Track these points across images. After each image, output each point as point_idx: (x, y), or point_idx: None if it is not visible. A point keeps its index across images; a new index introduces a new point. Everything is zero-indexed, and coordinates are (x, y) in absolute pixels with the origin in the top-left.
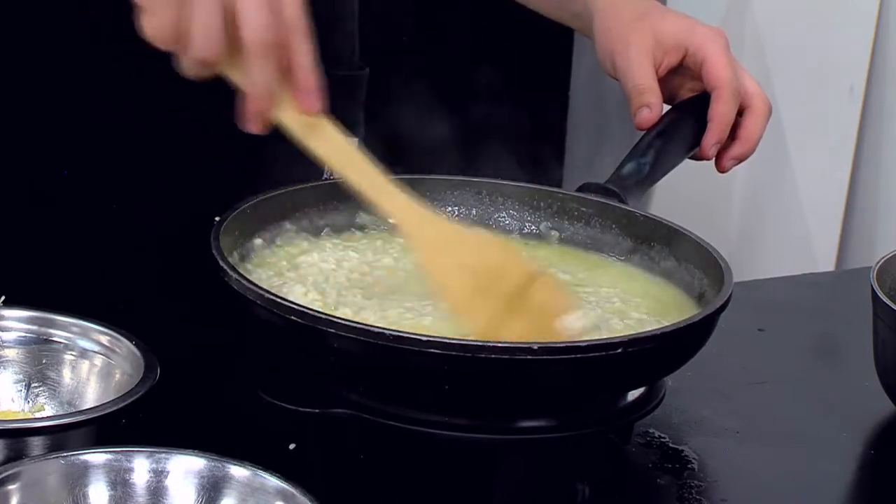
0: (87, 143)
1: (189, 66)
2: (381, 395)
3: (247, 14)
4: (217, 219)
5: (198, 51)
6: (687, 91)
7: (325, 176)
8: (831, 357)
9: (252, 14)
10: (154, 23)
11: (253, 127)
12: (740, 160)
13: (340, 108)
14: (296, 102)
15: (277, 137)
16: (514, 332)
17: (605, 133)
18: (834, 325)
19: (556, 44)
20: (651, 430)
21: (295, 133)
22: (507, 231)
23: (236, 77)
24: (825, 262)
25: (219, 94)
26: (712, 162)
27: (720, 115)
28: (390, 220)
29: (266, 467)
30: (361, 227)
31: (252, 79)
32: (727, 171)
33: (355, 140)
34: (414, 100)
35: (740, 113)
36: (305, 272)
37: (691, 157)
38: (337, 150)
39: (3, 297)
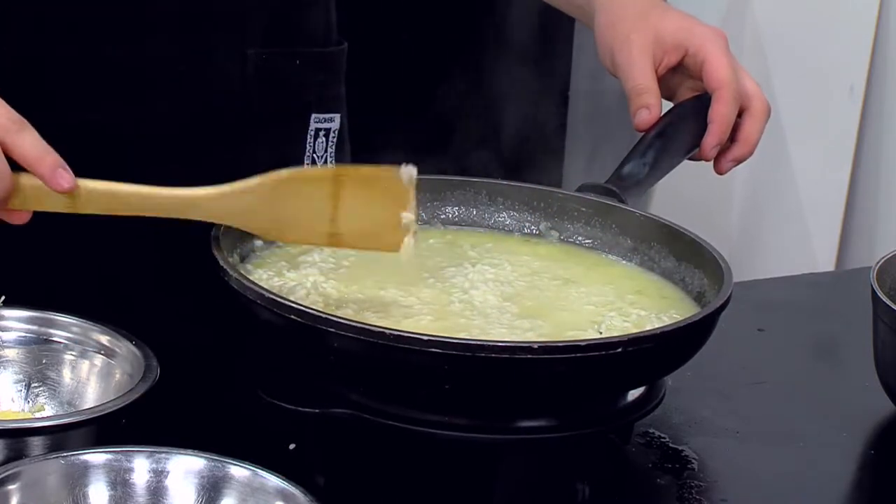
0: (87, 143)
1: None
2: (381, 395)
3: None
4: None
5: None
6: (686, 90)
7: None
8: (831, 357)
9: None
10: None
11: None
12: (739, 162)
13: (318, 85)
14: (47, 187)
15: (277, 139)
16: (353, 234)
17: (605, 133)
18: (834, 325)
19: (556, 44)
20: (651, 430)
21: (63, 210)
22: (507, 231)
23: None
24: (825, 262)
25: (221, 95)
26: (711, 162)
27: (721, 116)
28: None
29: (266, 467)
30: None
31: None
32: (726, 172)
33: (338, 122)
34: (415, 103)
35: (739, 114)
36: (306, 272)
37: (690, 158)
38: (108, 198)
39: (3, 297)
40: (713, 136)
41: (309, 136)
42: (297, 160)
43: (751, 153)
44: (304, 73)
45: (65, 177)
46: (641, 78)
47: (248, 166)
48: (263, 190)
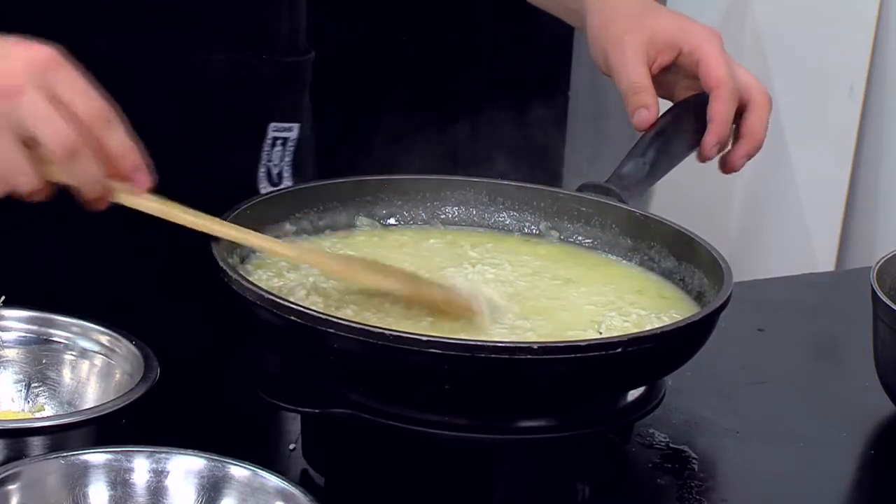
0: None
1: (33, 195)
2: (381, 395)
3: (38, 130)
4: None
5: (21, 186)
6: (682, 89)
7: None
8: (831, 357)
9: (44, 128)
10: None
11: (97, 208)
12: (750, 156)
13: (280, 93)
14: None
15: (233, 144)
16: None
17: (605, 133)
18: (834, 325)
19: (556, 44)
20: (651, 430)
21: (148, 211)
22: (507, 231)
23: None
24: (825, 262)
25: (182, 98)
26: (713, 161)
27: (720, 114)
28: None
29: (266, 467)
30: (361, 228)
31: (76, 180)
32: (739, 169)
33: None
34: (415, 103)
35: (742, 110)
36: (306, 273)
37: (699, 159)
38: (194, 216)
39: (3, 297)
40: (713, 135)
41: (266, 144)
42: (251, 167)
43: (760, 146)
44: (266, 80)
45: (142, 178)
46: (637, 77)
47: (205, 169)
48: (337, 268)
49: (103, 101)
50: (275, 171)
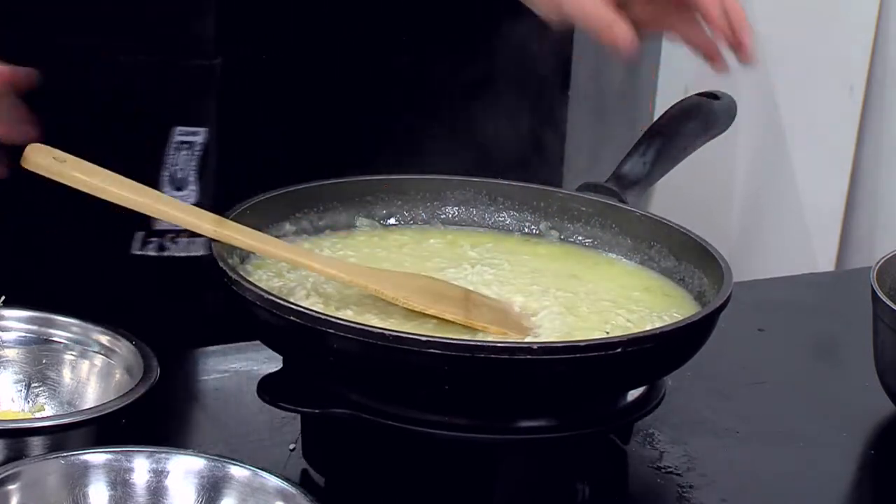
0: (86, 143)
1: None
2: (381, 395)
3: None
4: None
5: None
6: (643, 14)
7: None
8: (831, 357)
9: None
10: None
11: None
12: (744, 27)
13: (186, 99)
14: None
15: (136, 148)
16: (487, 319)
17: (605, 133)
18: (834, 325)
19: (556, 44)
20: (651, 430)
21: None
22: (507, 231)
23: None
24: (825, 262)
25: (87, 99)
26: (713, 162)
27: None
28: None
29: (266, 467)
30: (361, 228)
31: None
32: (752, 54)
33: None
34: (417, 101)
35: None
36: (306, 273)
37: (716, 69)
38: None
39: (3, 297)
40: (713, 21)
41: (170, 149)
42: (153, 171)
43: (743, 14)
44: (171, 84)
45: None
46: (599, 12)
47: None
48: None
49: None
50: (179, 176)
